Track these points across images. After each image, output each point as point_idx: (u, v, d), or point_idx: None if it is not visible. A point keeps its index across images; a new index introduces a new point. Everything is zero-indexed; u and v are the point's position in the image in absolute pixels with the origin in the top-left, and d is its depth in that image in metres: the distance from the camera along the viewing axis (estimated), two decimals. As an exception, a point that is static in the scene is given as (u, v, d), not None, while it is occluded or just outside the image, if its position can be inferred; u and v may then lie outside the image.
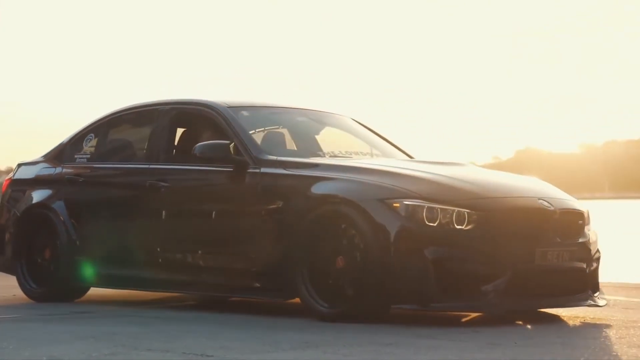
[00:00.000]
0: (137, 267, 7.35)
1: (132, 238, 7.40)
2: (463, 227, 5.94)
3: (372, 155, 7.45)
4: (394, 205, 5.97)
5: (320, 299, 6.21)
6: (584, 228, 6.48)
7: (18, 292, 8.12)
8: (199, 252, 6.96)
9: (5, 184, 8.50)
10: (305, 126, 7.69)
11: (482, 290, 5.93)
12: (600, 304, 6.41)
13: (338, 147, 7.37)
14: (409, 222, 5.92)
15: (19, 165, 8.54)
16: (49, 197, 7.96)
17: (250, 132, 7.07)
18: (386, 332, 5.65)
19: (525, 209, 6.16)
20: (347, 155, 7.20)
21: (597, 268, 6.54)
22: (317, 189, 6.33)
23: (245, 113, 7.27)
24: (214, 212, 6.88)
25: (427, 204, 5.95)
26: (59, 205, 7.86)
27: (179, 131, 7.65)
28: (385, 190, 6.08)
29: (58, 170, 8.10)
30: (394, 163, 6.77)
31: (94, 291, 8.21)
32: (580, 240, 6.39)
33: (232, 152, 6.81)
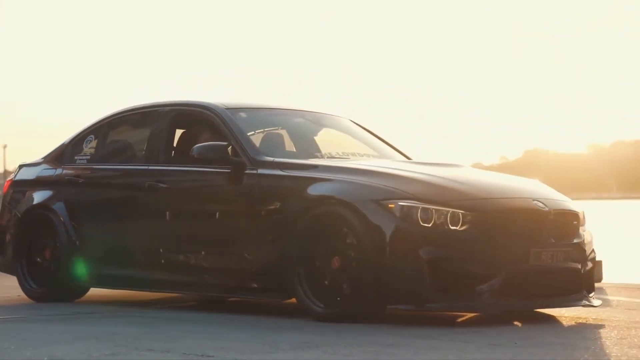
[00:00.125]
0: (136, 267, 7.40)
1: (131, 238, 7.45)
2: (457, 227, 5.98)
3: (369, 156, 7.48)
4: (389, 206, 6.01)
5: (316, 299, 6.25)
6: (578, 229, 6.50)
7: (22, 293, 8.15)
8: (198, 252, 7.00)
9: (6, 185, 8.56)
10: (303, 127, 7.73)
11: (477, 291, 5.96)
12: (595, 304, 6.44)
13: (336, 148, 7.41)
14: (404, 223, 5.96)
15: (20, 166, 8.61)
16: (50, 198, 8.01)
17: (249, 133, 7.12)
18: (386, 332, 5.67)
19: (519, 210, 6.19)
20: (345, 157, 7.24)
21: (592, 268, 6.55)
22: (314, 190, 6.37)
23: (243, 114, 7.31)
24: (211, 213, 6.93)
25: (421, 205, 5.99)
26: (59, 206, 7.91)
27: (178, 132, 7.69)
28: (381, 191, 6.11)
29: (58, 171, 8.15)
30: (390, 164, 6.80)
31: (94, 291, 8.25)
32: (575, 240, 6.42)
33: (229, 153, 6.86)
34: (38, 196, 8.12)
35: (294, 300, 6.45)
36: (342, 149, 7.41)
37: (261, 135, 7.35)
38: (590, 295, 6.51)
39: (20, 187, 8.37)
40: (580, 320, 6.29)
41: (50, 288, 7.87)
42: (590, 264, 6.53)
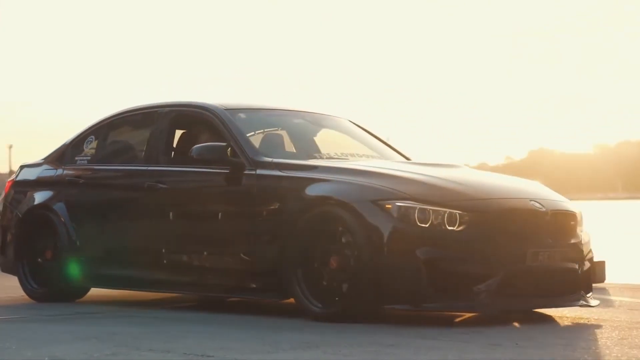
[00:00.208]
0: (137, 267, 7.42)
1: (131, 239, 7.48)
2: (455, 228, 5.99)
3: (368, 157, 7.50)
4: (387, 206, 6.03)
5: (314, 299, 6.27)
6: (576, 229, 6.51)
7: (24, 293, 8.16)
8: (198, 252, 7.03)
9: (7, 185, 8.60)
10: (302, 128, 7.76)
11: (474, 291, 5.97)
12: (592, 304, 6.44)
13: (335, 149, 7.43)
14: (401, 223, 5.97)
15: (21, 167, 8.65)
16: (50, 199, 8.05)
17: (249, 134, 7.15)
18: (386, 332, 5.68)
19: (516, 210, 6.21)
20: (344, 157, 7.26)
21: (589, 269, 6.56)
22: (312, 190, 6.39)
23: (242, 115, 7.34)
24: (210, 214, 6.95)
25: (419, 205, 6.01)
26: (59, 207, 7.94)
27: (178, 133, 7.72)
28: (378, 192, 6.13)
29: (59, 172, 8.18)
30: (388, 165, 6.83)
31: (95, 291, 8.27)
32: (572, 241, 6.43)
33: (228, 154, 6.89)
34: (39, 196, 8.16)
35: (292, 300, 6.47)
36: (341, 150, 7.43)
37: (261, 135, 7.38)
38: (588, 295, 6.51)
39: (21, 187, 8.41)
40: (582, 321, 6.29)
41: (51, 288, 7.90)
42: (587, 264, 6.53)
